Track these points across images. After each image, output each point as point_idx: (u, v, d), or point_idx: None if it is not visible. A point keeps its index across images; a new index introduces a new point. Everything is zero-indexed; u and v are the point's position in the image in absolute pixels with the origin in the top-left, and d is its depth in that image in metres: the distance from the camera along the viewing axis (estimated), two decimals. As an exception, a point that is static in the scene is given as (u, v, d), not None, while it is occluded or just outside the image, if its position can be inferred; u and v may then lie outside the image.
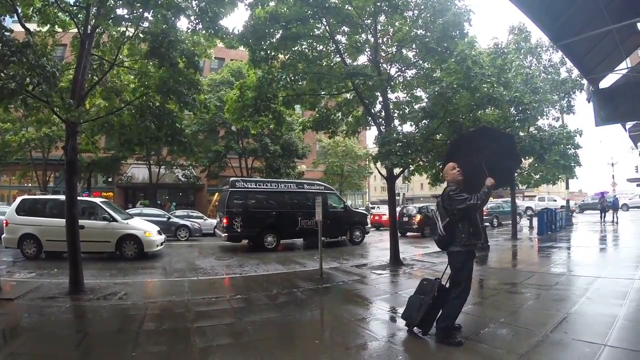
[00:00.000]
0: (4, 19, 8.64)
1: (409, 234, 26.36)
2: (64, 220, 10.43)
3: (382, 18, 14.01)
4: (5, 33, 7.66)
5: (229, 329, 7.46)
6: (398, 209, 24.26)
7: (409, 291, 9.75)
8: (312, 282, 11.46)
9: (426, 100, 13.85)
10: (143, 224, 17.12)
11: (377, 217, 32.27)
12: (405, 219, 26.64)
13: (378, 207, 42.96)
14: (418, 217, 26.07)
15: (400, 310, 8.05)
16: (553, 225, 23.30)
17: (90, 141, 12.99)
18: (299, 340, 7.07)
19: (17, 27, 9.40)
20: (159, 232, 17.35)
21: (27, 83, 7.40)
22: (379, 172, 15.39)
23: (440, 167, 13.41)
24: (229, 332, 7.25)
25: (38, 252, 15.42)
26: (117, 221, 15.94)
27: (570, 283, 10.46)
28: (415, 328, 6.65)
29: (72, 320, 8.48)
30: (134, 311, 8.73)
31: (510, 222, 23.91)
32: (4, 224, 15.75)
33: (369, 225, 24.21)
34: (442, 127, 12.93)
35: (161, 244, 17.07)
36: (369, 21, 13.79)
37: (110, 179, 40.23)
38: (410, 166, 13.71)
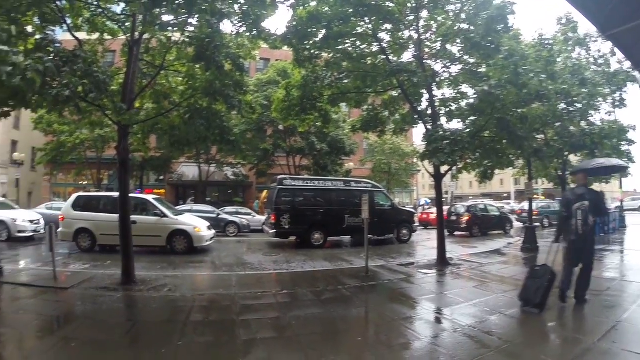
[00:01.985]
0: (54, 31, 8.99)
1: (457, 233, 25.58)
2: (117, 215, 10.90)
3: (424, 14, 13.78)
4: (56, 45, 7.99)
5: (274, 322, 7.62)
6: (446, 207, 23.81)
7: (456, 291, 9.80)
8: (357, 279, 11.47)
9: (473, 96, 13.65)
10: (193, 220, 17.56)
11: (424, 216, 31.80)
12: (454, 217, 25.94)
13: (427, 203, 42.37)
14: (466, 216, 25.43)
15: (444, 310, 8.09)
16: (606, 227, 22.36)
17: (141, 142, 13.45)
18: (342, 336, 7.13)
19: (69, 37, 9.84)
20: (209, 228, 17.71)
21: (79, 90, 7.71)
22: (426, 170, 15.21)
23: (489, 165, 13.28)
24: (274, 326, 7.41)
25: (92, 245, 16.18)
26: (167, 217, 16.47)
27: (623, 289, 10.03)
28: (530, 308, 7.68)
29: (122, 310, 8.88)
30: (182, 303, 9.03)
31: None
32: (60, 219, 16.68)
33: (417, 224, 23.82)
34: (489, 124, 12.70)
35: (210, 239, 17.42)
36: (411, 17, 13.65)
37: (161, 177, 41.27)
38: (458, 164, 13.45)
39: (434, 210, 22.34)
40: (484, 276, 11.71)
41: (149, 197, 17.93)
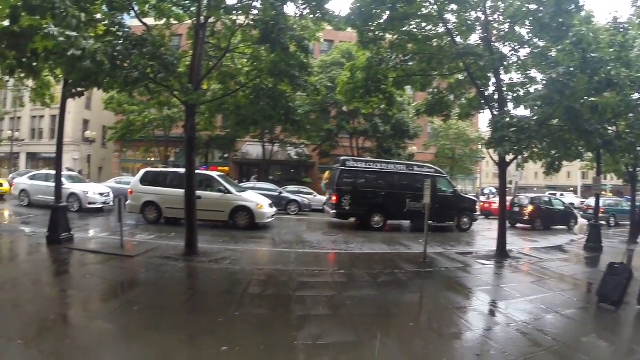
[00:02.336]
0: (122, 18, 9.34)
1: (519, 225, 24.74)
2: (183, 190, 11.36)
3: None
4: (125, 29, 8.33)
5: (329, 301, 7.79)
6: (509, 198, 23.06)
7: (513, 285, 9.68)
8: (415, 265, 11.49)
9: (542, 82, 13.15)
10: (255, 197, 17.96)
11: (486, 205, 31.10)
12: (517, 209, 25.01)
13: (492, 192, 41.42)
14: (530, 208, 24.39)
15: (500, 303, 8.02)
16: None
17: (208, 121, 13.84)
18: (394, 320, 7.18)
19: (136, 23, 10.22)
20: (270, 206, 18.06)
21: (148, 71, 8.01)
22: (491, 157, 14.80)
23: (557, 155, 12.79)
24: (328, 304, 7.58)
25: (158, 217, 17.00)
26: (231, 193, 16.94)
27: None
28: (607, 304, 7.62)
29: (184, 279, 9.34)
30: (241, 275, 9.38)
31: (629, 222, 21.41)
32: (129, 193, 17.63)
33: (478, 213, 23.25)
34: (557, 112, 12.23)
35: (272, 216, 17.79)
36: None
37: (226, 155, 42.13)
38: (524, 153, 12.91)
39: (496, 199, 21.73)
40: (543, 272, 11.44)
41: (214, 174, 18.48)
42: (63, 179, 13.12)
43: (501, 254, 13.48)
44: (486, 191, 48.60)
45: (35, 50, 6.35)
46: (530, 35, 13.18)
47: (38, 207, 20.08)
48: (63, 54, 6.15)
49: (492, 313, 7.89)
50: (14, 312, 6.44)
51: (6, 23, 6.61)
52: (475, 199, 24.78)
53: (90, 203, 20.43)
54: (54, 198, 12.58)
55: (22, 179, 23.69)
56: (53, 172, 19.70)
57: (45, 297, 7.40)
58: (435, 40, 14.30)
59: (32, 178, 22.67)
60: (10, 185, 25.37)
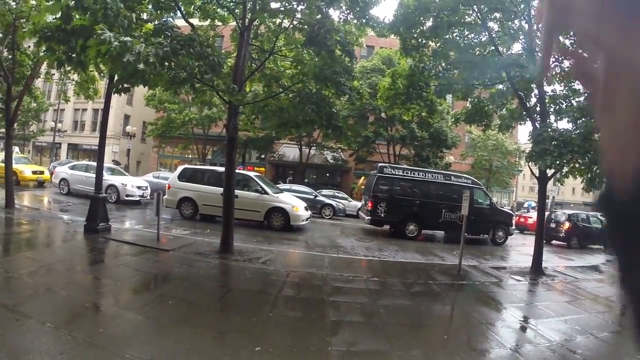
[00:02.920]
0: (167, 19, 9.49)
1: (554, 242, 24.01)
2: (220, 188, 11.58)
3: (535, 2, 13.11)
4: (174, 30, 8.46)
5: (362, 308, 7.74)
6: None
7: (547, 304, 9.52)
8: (448, 276, 11.36)
9: (585, 93, 12.80)
10: (291, 199, 18.07)
11: (521, 219, 30.29)
12: (553, 225, 24.26)
13: (531, 207, 40.55)
14: (567, 224, 23.80)
15: (533, 321, 7.88)
16: None
17: (249, 121, 13.99)
18: (427, 331, 7.12)
19: (181, 22, 10.38)
20: (306, 208, 18.17)
21: (195, 71, 8.12)
22: (531, 171, 14.47)
23: (599, 171, 12.43)
24: (362, 311, 7.54)
25: (194, 213, 17.35)
26: (268, 194, 17.07)
27: None
28: None
29: (218, 276, 9.48)
30: (275, 276, 9.43)
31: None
32: (167, 188, 18.05)
33: (513, 227, 22.66)
34: None
35: (307, 219, 17.85)
36: (522, 6, 13.03)
37: (263, 156, 42.55)
38: (565, 167, 12.66)
39: (531, 214, 21.14)
40: (578, 292, 11.15)
41: (252, 174, 18.73)
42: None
43: (536, 270, 13.16)
44: (526, 205, 47.59)
45: (85, 45, 6.50)
46: (574, 45, 12.85)
47: (77, 196, 20.89)
48: (118, 58, 6.27)
49: (524, 330, 7.73)
50: (47, 296, 6.61)
51: (59, 21, 6.83)
52: (511, 212, 24.36)
53: (127, 195, 21.06)
54: (92, 188, 12.93)
55: (62, 168, 24.51)
56: (93, 163, 20.45)
57: (79, 284, 7.59)
58: (477, 48, 14.22)
59: (72, 168, 23.50)
60: (51, 174, 26.26)
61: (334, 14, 10.77)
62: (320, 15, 10.01)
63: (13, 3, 13.92)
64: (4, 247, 10.30)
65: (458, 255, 12.42)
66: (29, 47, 16.11)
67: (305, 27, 10.41)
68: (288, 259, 12.05)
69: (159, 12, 9.68)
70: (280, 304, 7.38)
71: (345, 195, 31.01)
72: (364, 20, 11.13)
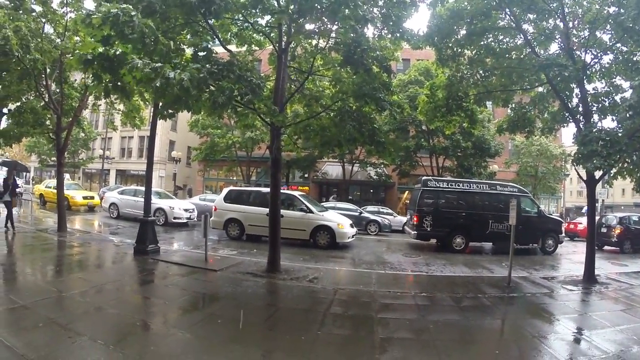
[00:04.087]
0: (208, 45, 9.75)
1: (606, 247, 22.87)
2: (265, 208, 11.77)
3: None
4: (213, 55, 8.70)
5: (411, 324, 7.68)
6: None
7: (601, 313, 9.20)
8: (498, 289, 11.15)
9: (628, 89, 12.43)
10: (336, 217, 18.12)
11: (571, 226, 29.45)
12: (604, 230, 23.08)
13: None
14: (618, 228, 22.49)
15: (587, 332, 7.65)
16: None
17: (292, 142, 14.20)
18: (478, 347, 7.02)
19: (220, 50, 10.66)
20: (351, 226, 18.12)
21: (235, 95, 8.31)
22: (577, 174, 13.96)
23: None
24: (411, 328, 7.48)
25: (240, 234, 17.65)
26: (313, 213, 17.18)
27: None
28: None
29: (266, 295, 9.54)
30: (322, 294, 9.44)
31: None
32: (213, 209, 18.42)
33: (563, 234, 21.79)
34: None
35: (352, 236, 17.82)
36: (554, 4, 12.64)
37: (306, 175, 42.78)
38: (614, 169, 11.96)
39: (581, 220, 20.30)
40: (633, 300, 10.72)
41: (296, 193, 18.97)
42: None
43: (589, 279, 12.69)
44: (584, 210, 45.78)
45: (124, 76, 6.83)
46: (613, 40, 12.55)
47: (126, 220, 21.66)
48: (150, 83, 6.53)
49: (578, 342, 7.46)
50: (99, 315, 6.88)
51: (100, 49, 7.12)
52: (560, 219, 23.71)
53: (175, 218, 21.61)
54: (141, 212, 13.34)
55: (112, 193, 25.62)
56: (141, 187, 21.14)
57: (130, 304, 7.89)
58: (514, 52, 14.06)
59: (121, 193, 24.52)
60: (101, 199, 27.65)
61: (368, 31, 10.81)
62: (354, 34, 10.07)
63: (58, 40, 14.55)
64: (57, 268, 10.71)
65: (507, 266, 12.20)
66: (76, 80, 16.83)
67: (341, 46, 10.48)
68: (335, 277, 12.01)
69: (197, 40, 9.94)
70: (329, 322, 7.40)
71: (391, 211, 30.81)
72: (398, 34, 11.12)
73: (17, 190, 19.32)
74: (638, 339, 7.41)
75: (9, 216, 14.84)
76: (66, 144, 16.55)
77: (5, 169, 14.71)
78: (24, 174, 47.66)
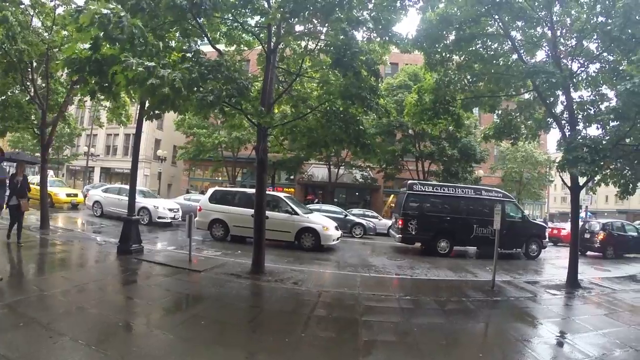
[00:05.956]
0: (197, 45, 9.71)
1: (589, 253, 23.25)
2: (250, 210, 11.73)
3: (557, 8, 12.91)
4: (201, 56, 8.64)
5: (395, 327, 7.72)
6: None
7: (584, 318, 9.31)
8: (482, 293, 11.20)
9: (614, 98, 12.57)
10: (322, 219, 18.09)
11: (554, 231, 29.60)
12: (587, 235, 23.44)
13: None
14: (601, 234, 23.11)
15: (570, 336, 7.71)
16: None
17: (278, 143, 14.17)
18: (462, 350, 7.03)
19: (208, 49, 10.64)
20: (336, 228, 18.12)
21: (223, 95, 8.29)
22: (562, 180, 14.11)
23: (632, 177, 12.14)
24: (395, 330, 7.50)
25: (225, 235, 17.52)
26: (298, 215, 17.14)
27: None
28: None
29: (250, 296, 9.53)
30: (307, 297, 9.42)
31: None
32: (198, 210, 18.39)
33: (547, 240, 21.98)
34: (632, 130, 11.42)
35: (337, 239, 17.83)
36: (543, 13, 12.89)
37: (292, 177, 43.08)
38: (598, 175, 12.21)
39: (564, 225, 20.54)
40: (616, 304, 10.85)
41: (282, 195, 19.03)
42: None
43: (572, 283, 12.86)
44: (589, 216, 45.74)
45: (114, 73, 6.72)
46: (600, 49, 12.79)
47: (109, 218, 21.37)
48: (143, 83, 6.45)
49: (561, 346, 7.53)
50: (80, 315, 6.79)
51: (89, 52, 7.07)
52: (544, 224, 23.90)
53: (159, 217, 21.41)
54: (125, 210, 13.21)
55: (96, 191, 25.44)
56: (126, 186, 20.97)
57: (112, 304, 7.76)
58: (501, 58, 14.19)
59: (105, 191, 24.22)
60: (85, 197, 27.33)
61: (358, 34, 10.82)
62: (344, 37, 10.07)
63: (45, 33, 14.39)
64: (39, 266, 10.63)
65: (491, 271, 12.25)
66: (62, 75, 16.62)
67: (331, 48, 10.48)
68: (319, 279, 12.01)
69: (186, 39, 9.88)
70: (313, 324, 7.39)
71: (376, 214, 30.83)
72: (387, 38, 11.14)
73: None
74: (620, 342, 7.47)
75: (13, 224, 12.08)
76: (51, 139, 16.34)
77: (5, 164, 12.41)
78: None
